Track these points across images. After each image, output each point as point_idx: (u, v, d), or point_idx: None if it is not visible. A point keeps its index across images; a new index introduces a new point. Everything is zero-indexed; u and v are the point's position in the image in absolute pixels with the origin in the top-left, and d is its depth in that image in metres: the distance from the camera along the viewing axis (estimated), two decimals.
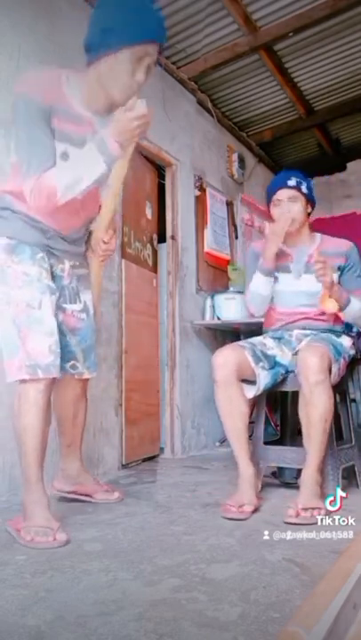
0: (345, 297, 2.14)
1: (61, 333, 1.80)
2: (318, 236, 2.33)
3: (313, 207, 2.29)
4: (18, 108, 1.53)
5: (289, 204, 2.21)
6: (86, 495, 2.10)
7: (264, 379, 2.08)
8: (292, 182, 2.22)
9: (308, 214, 2.29)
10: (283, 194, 2.22)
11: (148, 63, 1.52)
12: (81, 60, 1.65)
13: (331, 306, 2.12)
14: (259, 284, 2.24)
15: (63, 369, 1.82)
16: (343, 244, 2.27)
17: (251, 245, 2.62)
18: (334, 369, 1.99)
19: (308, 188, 2.25)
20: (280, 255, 2.23)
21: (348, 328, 2.43)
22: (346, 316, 2.22)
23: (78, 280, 1.93)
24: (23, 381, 1.66)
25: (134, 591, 1.23)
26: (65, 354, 1.83)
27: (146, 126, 1.50)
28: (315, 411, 1.90)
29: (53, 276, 1.79)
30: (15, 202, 1.66)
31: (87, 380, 2.04)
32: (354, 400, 3.19)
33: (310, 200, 2.26)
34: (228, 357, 2.04)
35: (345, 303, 2.14)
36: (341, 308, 2.15)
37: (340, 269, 2.23)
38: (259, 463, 2.19)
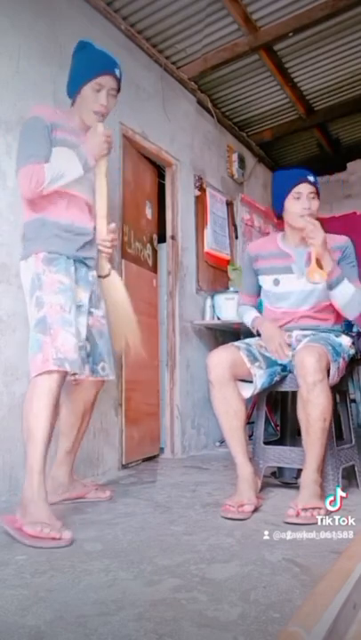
0: (337, 272, 2.07)
1: (92, 336, 2.02)
2: None
3: None
4: (26, 124, 1.93)
5: (310, 200, 2.15)
6: (78, 498, 2.13)
7: (260, 378, 2.07)
8: (312, 179, 2.18)
9: None
10: (305, 188, 2.15)
11: (107, 90, 1.98)
12: None
13: (318, 277, 2.06)
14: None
15: (95, 371, 2.03)
16: (340, 239, 2.22)
17: (246, 249, 2.55)
18: (333, 369, 1.98)
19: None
20: (281, 257, 2.21)
21: (348, 328, 2.42)
22: (336, 297, 2.11)
23: (99, 287, 2.10)
24: (42, 374, 1.76)
25: (134, 591, 1.23)
26: (95, 356, 2.03)
27: (110, 143, 1.97)
28: (313, 411, 1.89)
29: (86, 283, 2.00)
30: (47, 218, 1.91)
31: (103, 384, 2.16)
32: (354, 400, 3.18)
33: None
34: (221, 357, 2.04)
35: (334, 280, 2.06)
36: (331, 285, 2.08)
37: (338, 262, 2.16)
38: (259, 463, 2.19)
